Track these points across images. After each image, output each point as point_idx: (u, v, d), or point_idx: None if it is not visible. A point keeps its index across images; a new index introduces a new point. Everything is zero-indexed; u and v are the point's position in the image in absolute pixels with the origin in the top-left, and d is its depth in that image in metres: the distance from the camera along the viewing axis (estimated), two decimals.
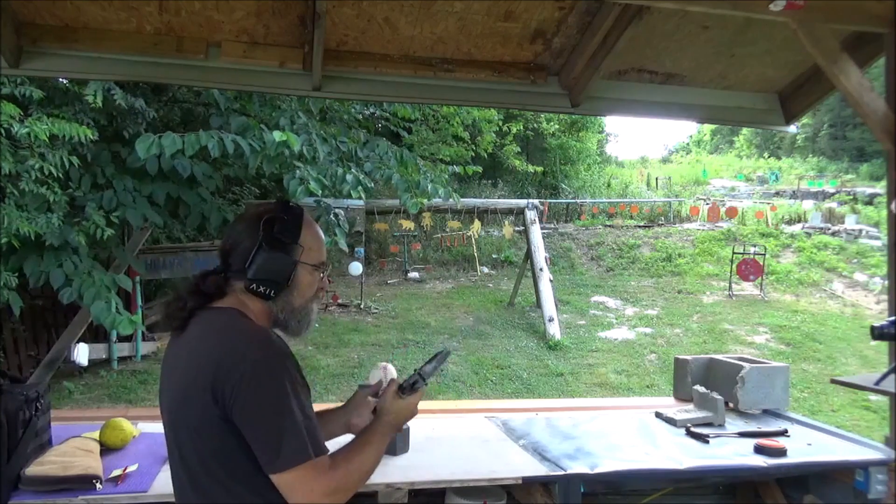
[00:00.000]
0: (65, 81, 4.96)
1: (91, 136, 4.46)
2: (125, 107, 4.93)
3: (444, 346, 1.77)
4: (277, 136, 4.52)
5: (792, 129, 3.15)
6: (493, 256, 13.73)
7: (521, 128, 16.17)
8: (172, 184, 5.09)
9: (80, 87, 4.76)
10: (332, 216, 5.77)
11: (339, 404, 1.70)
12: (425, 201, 5.64)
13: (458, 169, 7.39)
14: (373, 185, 5.92)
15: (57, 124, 4.21)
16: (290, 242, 1.42)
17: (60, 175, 4.49)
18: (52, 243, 4.49)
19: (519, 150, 16.29)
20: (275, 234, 1.39)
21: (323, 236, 1.53)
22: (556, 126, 18.17)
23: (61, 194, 4.58)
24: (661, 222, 16.02)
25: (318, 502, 1.26)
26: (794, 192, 20.45)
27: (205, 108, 6.04)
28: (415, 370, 1.54)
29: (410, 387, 1.50)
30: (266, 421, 1.26)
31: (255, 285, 1.38)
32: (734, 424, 2.57)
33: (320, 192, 5.05)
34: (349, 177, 5.13)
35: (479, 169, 8.52)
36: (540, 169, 16.54)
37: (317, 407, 1.43)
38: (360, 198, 5.57)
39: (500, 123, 12.46)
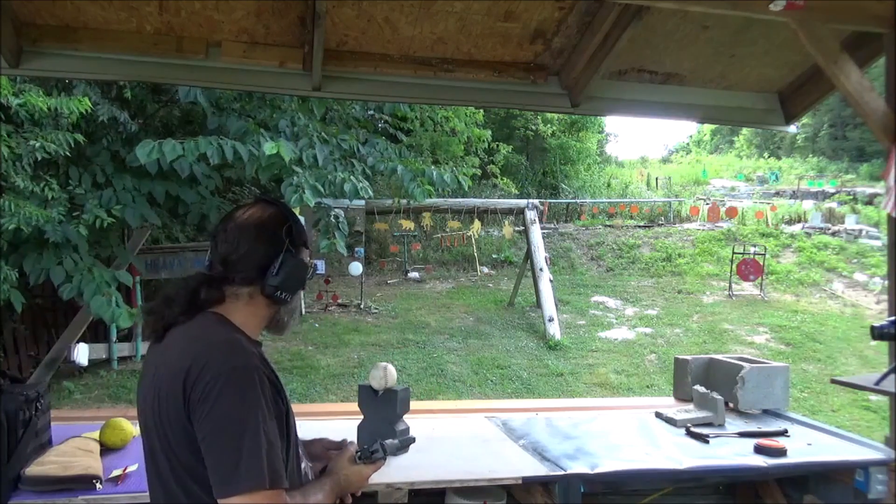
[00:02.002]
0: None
1: (90, 108, 4.46)
2: (105, 121, 4.95)
3: (414, 435, 1.79)
4: (269, 148, 4.52)
5: (792, 129, 3.15)
6: (493, 256, 13.72)
7: (510, 149, 15.71)
8: (172, 182, 5.09)
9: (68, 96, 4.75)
10: (332, 218, 5.76)
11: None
12: (432, 189, 5.61)
13: (456, 169, 7.39)
14: (376, 182, 5.90)
15: (56, 98, 4.21)
16: (304, 246, 1.43)
17: (66, 152, 4.47)
18: (54, 240, 4.50)
19: (499, 171, 15.76)
20: (295, 241, 1.38)
21: None
22: (555, 127, 18.13)
23: (60, 191, 4.58)
24: (661, 222, 16.00)
25: None
26: (794, 192, 20.42)
27: (203, 109, 6.04)
28: (378, 441, 1.50)
29: (369, 455, 1.47)
30: (224, 438, 1.17)
31: (279, 292, 1.35)
32: (734, 424, 2.57)
33: (312, 203, 5.05)
34: (347, 186, 5.14)
35: (479, 172, 8.53)
36: (515, 191, 15.89)
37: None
38: (362, 198, 5.57)
39: (489, 141, 12.29)
